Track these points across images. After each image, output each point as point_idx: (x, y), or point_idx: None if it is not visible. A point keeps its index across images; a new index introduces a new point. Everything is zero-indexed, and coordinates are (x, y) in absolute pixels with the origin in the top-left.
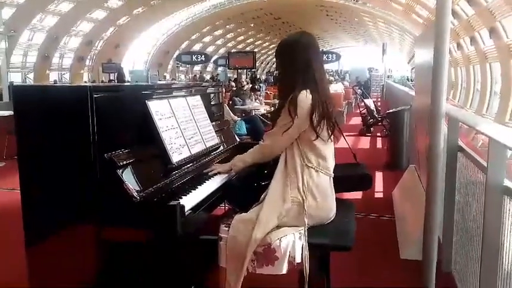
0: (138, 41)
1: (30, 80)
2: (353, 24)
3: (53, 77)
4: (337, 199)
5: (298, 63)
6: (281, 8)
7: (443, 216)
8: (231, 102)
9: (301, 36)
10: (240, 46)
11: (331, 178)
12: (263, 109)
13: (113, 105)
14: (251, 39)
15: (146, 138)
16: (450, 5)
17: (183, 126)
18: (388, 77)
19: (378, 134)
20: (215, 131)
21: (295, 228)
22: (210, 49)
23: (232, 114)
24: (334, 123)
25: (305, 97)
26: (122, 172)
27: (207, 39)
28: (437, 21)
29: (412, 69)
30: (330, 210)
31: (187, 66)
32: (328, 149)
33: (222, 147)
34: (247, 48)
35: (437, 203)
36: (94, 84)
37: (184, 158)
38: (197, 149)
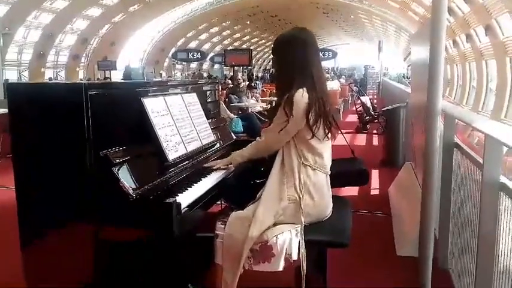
0: (133, 39)
1: (26, 78)
2: (349, 21)
3: (48, 74)
4: (333, 196)
5: (296, 60)
6: (277, 6)
7: (439, 213)
8: (227, 99)
9: (299, 32)
10: (236, 44)
11: (328, 176)
12: (259, 106)
13: (108, 103)
14: (247, 37)
15: (142, 136)
16: (446, 2)
17: (179, 124)
18: (384, 74)
19: (374, 131)
20: (211, 129)
21: (291, 226)
22: (206, 46)
23: (228, 111)
24: (330, 122)
25: (301, 96)
26: (118, 170)
27: (203, 36)
28: (433, 19)
29: (408, 66)
30: (327, 208)
31: (184, 63)
32: (325, 147)
33: (218, 145)
34: (244, 46)
35: (434, 199)
36: (89, 81)
37: (180, 156)
38: (193, 146)
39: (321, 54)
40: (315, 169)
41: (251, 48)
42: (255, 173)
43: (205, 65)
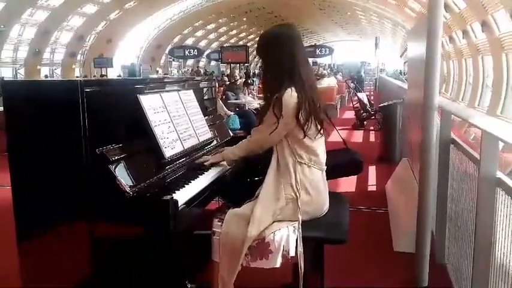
0: (129, 36)
1: (21, 75)
2: (346, 18)
3: (44, 72)
4: (330, 192)
5: (282, 57)
6: (273, 2)
7: (436, 209)
8: (224, 96)
9: (283, 29)
10: (232, 40)
11: (324, 172)
12: (256, 103)
13: (104, 100)
14: (244, 34)
15: (138, 133)
16: None
17: (175, 121)
18: (381, 70)
19: (371, 128)
20: (208, 126)
21: (289, 222)
22: (202, 43)
23: (225, 108)
24: (322, 119)
25: (290, 96)
26: (114, 167)
27: (199, 33)
28: (430, 15)
29: (404, 62)
30: (324, 204)
31: (180, 60)
32: (319, 144)
33: (215, 142)
34: (240, 43)
35: (430, 195)
36: (85, 78)
37: (177, 153)
38: (190, 143)
39: (317, 51)
40: (310, 166)
41: (248, 45)
42: (252, 171)
43: (202, 62)
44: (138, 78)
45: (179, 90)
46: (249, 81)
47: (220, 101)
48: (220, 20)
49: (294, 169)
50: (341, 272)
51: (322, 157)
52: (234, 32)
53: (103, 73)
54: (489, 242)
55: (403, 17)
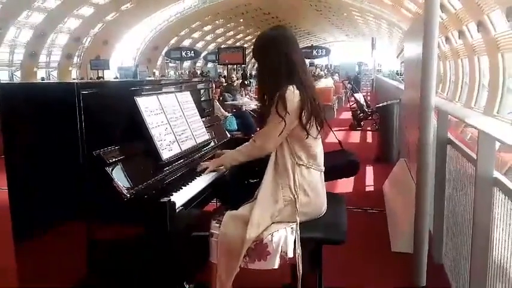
0: (126, 38)
1: (18, 78)
2: (342, 19)
3: (40, 74)
4: (328, 193)
5: (279, 58)
6: (270, 3)
7: (433, 209)
8: (221, 98)
9: (279, 31)
10: (229, 42)
11: (322, 173)
12: (253, 104)
13: (101, 102)
14: (241, 35)
15: (135, 135)
16: None
17: (172, 123)
18: (377, 71)
19: (368, 128)
20: (206, 127)
21: (287, 224)
22: (199, 45)
23: (222, 109)
24: (322, 120)
25: (293, 94)
26: (111, 170)
27: (196, 34)
28: (426, 15)
29: (401, 63)
30: (322, 205)
31: (177, 62)
32: (317, 145)
33: (212, 143)
34: (237, 44)
35: (428, 195)
36: (82, 81)
37: (174, 155)
38: (188, 145)
39: (314, 52)
40: (309, 168)
41: (245, 46)
42: (249, 173)
43: (199, 63)
44: (134, 80)
45: (176, 92)
46: (246, 82)
47: (217, 102)
48: (217, 22)
49: (293, 171)
50: (339, 273)
51: (321, 158)
52: (231, 33)
53: (100, 75)
54: (486, 241)
55: (399, 18)
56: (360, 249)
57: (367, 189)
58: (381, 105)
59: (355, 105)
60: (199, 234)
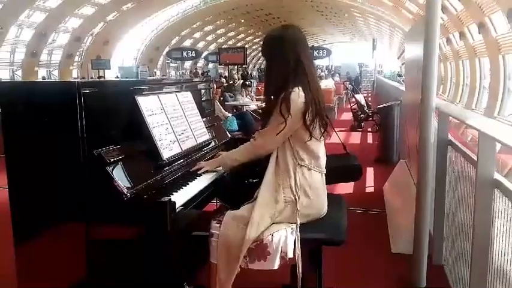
0: (127, 37)
1: (19, 77)
2: (343, 19)
3: (41, 73)
4: (328, 194)
5: (287, 58)
6: (271, 4)
7: (434, 210)
8: (222, 98)
9: (289, 29)
10: (230, 42)
11: (323, 175)
12: (254, 105)
13: (101, 101)
14: (242, 35)
15: (136, 135)
16: (440, 0)
17: (173, 122)
18: (378, 72)
19: (369, 129)
20: (206, 127)
21: (287, 224)
22: (200, 45)
23: (223, 110)
24: (326, 121)
25: (298, 96)
26: (112, 169)
27: (197, 35)
28: (427, 16)
29: (402, 64)
30: (323, 207)
31: (178, 62)
32: (320, 147)
33: (213, 143)
34: (238, 44)
35: (428, 196)
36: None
37: (175, 154)
38: (188, 145)
39: (315, 53)
40: (310, 169)
41: (246, 46)
42: (250, 173)
43: (200, 64)
44: (135, 79)
45: (177, 92)
46: (247, 82)
47: (218, 103)
48: (218, 22)
49: (294, 171)
50: (339, 274)
51: (323, 160)
52: (232, 33)
53: (100, 75)
54: (487, 243)
55: (400, 19)
56: (360, 250)
57: (368, 190)
58: (381, 106)
59: (355, 106)
60: (199, 234)
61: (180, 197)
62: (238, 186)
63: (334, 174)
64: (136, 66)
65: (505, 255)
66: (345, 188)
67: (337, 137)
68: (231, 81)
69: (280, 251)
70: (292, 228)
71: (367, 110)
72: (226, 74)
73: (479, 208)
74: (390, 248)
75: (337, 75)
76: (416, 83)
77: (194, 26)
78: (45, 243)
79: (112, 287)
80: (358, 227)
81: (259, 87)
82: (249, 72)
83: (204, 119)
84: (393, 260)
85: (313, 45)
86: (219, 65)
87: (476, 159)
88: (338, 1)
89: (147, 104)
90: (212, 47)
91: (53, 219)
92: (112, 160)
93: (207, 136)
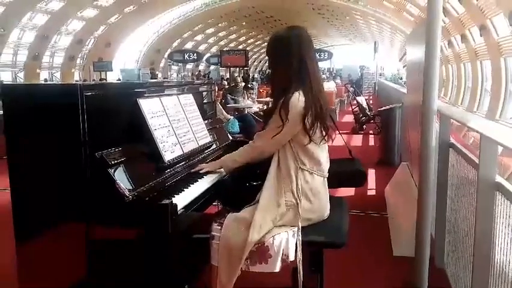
0: (129, 40)
1: (21, 79)
2: (344, 22)
3: (43, 75)
4: (330, 197)
5: (291, 60)
6: (273, 6)
7: (435, 213)
8: (223, 100)
9: (294, 31)
10: (232, 44)
11: (325, 179)
12: (256, 107)
13: (104, 104)
14: (243, 38)
15: (138, 137)
16: (441, 2)
17: (175, 125)
18: (380, 75)
19: (370, 132)
20: (208, 129)
21: (288, 227)
22: (202, 47)
23: (224, 112)
24: (327, 124)
25: (297, 100)
26: (114, 171)
27: (199, 37)
28: (429, 19)
29: (403, 67)
30: (324, 211)
31: (179, 64)
32: (322, 150)
33: (214, 145)
34: (240, 47)
35: (430, 199)
36: (85, 82)
37: (176, 157)
38: (190, 147)
39: (316, 55)
40: (312, 173)
41: (247, 49)
42: (251, 175)
43: (201, 66)
44: (137, 82)
45: (178, 94)
46: (249, 85)
47: (220, 105)
48: (219, 24)
49: (296, 175)
50: (340, 276)
51: (325, 164)
52: (234, 36)
53: (102, 77)
54: (488, 246)
55: (401, 21)
56: (361, 253)
57: (369, 192)
58: (383, 108)
59: (357, 108)
60: (200, 236)
61: (182, 200)
62: (240, 189)
63: (337, 179)
64: (138, 69)
65: (507, 257)
66: (347, 190)
67: (341, 139)
68: (233, 84)
69: (281, 254)
70: (293, 231)
71: (368, 113)
72: (228, 76)
73: (480, 211)
74: (392, 250)
75: (339, 77)
76: (418, 85)
77: (196, 28)
78: (46, 244)
79: (112, 287)
80: (360, 229)
81: (261, 90)
82: (251, 75)
83: (205, 121)
84: (395, 262)
85: (314, 48)
86: (221, 67)
87: (477, 162)
88: (339, 3)
89: (149, 106)
90: (214, 50)
91: (54, 220)
92: (114, 162)
93: (208, 138)
